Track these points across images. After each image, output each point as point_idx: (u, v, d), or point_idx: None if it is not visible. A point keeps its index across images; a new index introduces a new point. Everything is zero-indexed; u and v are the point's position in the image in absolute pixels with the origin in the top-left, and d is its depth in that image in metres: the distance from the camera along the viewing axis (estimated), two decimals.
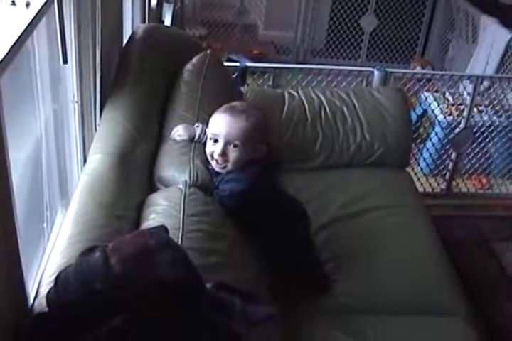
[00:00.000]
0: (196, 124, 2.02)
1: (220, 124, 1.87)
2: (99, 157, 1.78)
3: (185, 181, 1.79)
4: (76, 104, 1.95)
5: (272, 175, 2.10)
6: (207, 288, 1.30)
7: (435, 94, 3.53)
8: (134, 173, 1.82)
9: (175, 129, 2.02)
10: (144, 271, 1.14)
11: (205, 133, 1.96)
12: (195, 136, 1.98)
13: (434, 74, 3.44)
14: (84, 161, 1.89)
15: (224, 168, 1.86)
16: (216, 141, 1.87)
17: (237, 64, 2.99)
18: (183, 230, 1.57)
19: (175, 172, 1.86)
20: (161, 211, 1.67)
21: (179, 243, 1.50)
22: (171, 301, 1.14)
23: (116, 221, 1.57)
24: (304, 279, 1.96)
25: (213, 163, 1.87)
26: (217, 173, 1.88)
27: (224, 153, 1.85)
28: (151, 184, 1.88)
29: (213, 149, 1.87)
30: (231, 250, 1.68)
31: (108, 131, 1.90)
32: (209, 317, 1.22)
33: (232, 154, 1.85)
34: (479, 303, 2.37)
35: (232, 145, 1.85)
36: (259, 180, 1.88)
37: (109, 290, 1.11)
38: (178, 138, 1.99)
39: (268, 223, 1.88)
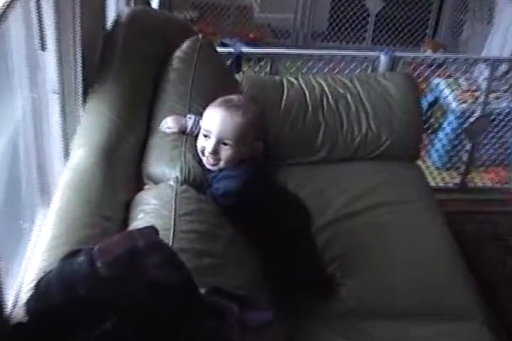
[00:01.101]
0: (188, 115, 2.03)
1: (213, 120, 1.86)
2: (83, 151, 1.78)
3: (177, 177, 1.80)
4: (56, 94, 1.95)
5: (269, 171, 2.10)
6: (201, 292, 1.30)
7: (448, 79, 3.53)
8: (121, 169, 1.82)
9: (164, 121, 2.02)
10: (132, 275, 1.14)
11: (197, 125, 1.97)
12: (186, 128, 1.98)
13: (446, 58, 3.42)
14: (67, 156, 1.89)
15: (215, 165, 1.86)
16: (208, 137, 1.86)
17: (232, 49, 2.99)
18: (174, 230, 1.58)
19: (165, 167, 1.86)
20: (151, 210, 1.67)
21: (170, 244, 1.51)
22: (162, 306, 1.14)
23: (102, 221, 1.58)
24: (306, 282, 1.97)
25: (204, 160, 1.87)
26: (211, 170, 1.88)
27: (215, 151, 1.84)
28: (140, 181, 1.89)
29: (204, 145, 1.87)
30: (227, 251, 1.69)
31: (92, 124, 1.90)
32: (203, 323, 1.23)
33: (225, 152, 1.84)
34: (495, 302, 2.38)
35: (224, 144, 1.84)
36: (256, 178, 1.89)
37: (95, 295, 1.12)
38: (167, 131, 1.99)
39: (267, 223, 1.89)
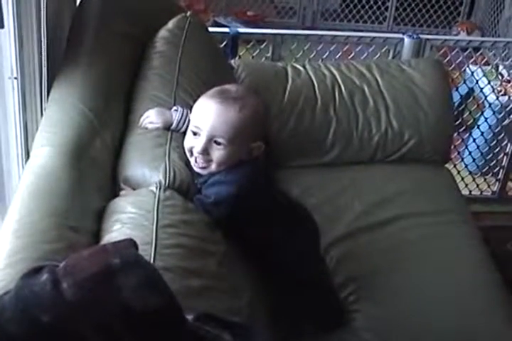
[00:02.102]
0: (174, 108, 2.03)
1: (205, 114, 1.85)
2: (46, 150, 1.78)
3: (159, 182, 1.80)
4: (15, 80, 1.95)
5: (271, 176, 2.10)
6: (187, 319, 1.30)
7: (485, 67, 3.54)
8: (93, 172, 1.82)
9: (146, 114, 2.02)
10: (105, 299, 1.14)
11: (185, 119, 1.97)
12: (172, 123, 1.99)
13: (483, 42, 3.43)
14: (27, 156, 1.90)
15: (205, 168, 1.86)
16: (198, 134, 1.86)
17: (226, 29, 3.00)
18: (156, 245, 1.58)
19: (146, 169, 1.86)
20: (128, 220, 1.67)
21: (151, 261, 1.51)
22: (139, 335, 1.14)
23: (69, 233, 1.58)
24: (312, 309, 1.97)
25: (192, 161, 1.87)
26: (200, 173, 1.88)
27: (205, 151, 1.84)
28: (115, 185, 1.89)
29: (193, 144, 1.86)
30: (219, 271, 1.69)
31: (58, 117, 1.90)
32: None
33: (217, 153, 1.84)
34: None
35: (216, 142, 1.84)
36: (255, 184, 1.88)
37: (59, 323, 1.11)
38: (149, 126, 1.99)
39: (267, 239, 1.89)
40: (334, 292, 2.03)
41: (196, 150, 1.84)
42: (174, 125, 1.98)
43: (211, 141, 1.83)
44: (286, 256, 1.92)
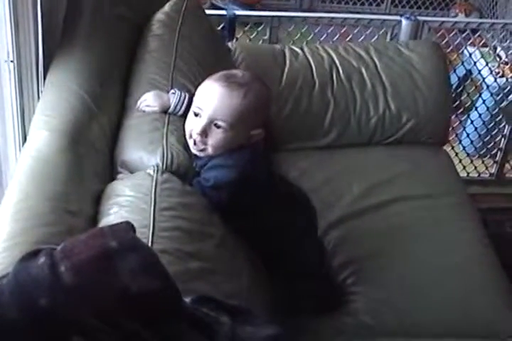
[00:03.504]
0: (172, 91, 2.02)
1: (208, 96, 1.84)
2: (44, 134, 1.78)
3: (157, 165, 1.80)
4: (11, 63, 1.94)
5: (268, 161, 2.09)
6: (185, 302, 1.30)
7: (483, 49, 3.52)
8: (90, 155, 1.82)
9: (143, 97, 2.01)
10: (102, 281, 1.14)
11: (183, 102, 1.96)
12: (169, 106, 1.98)
13: (481, 23, 3.41)
14: (24, 139, 1.89)
15: (202, 150, 1.85)
16: (199, 115, 1.85)
17: (224, 12, 2.99)
18: (154, 228, 1.58)
19: (143, 153, 1.86)
20: (126, 203, 1.67)
21: (149, 244, 1.51)
22: (137, 319, 1.14)
23: (67, 217, 1.58)
24: (311, 291, 1.97)
25: (190, 143, 1.86)
26: (199, 156, 1.88)
27: (204, 132, 1.83)
28: (113, 169, 1.89)
29: (193, 126, 1.85)
30: (218, 253, 1.69)
31: (55, 100, 1.90)
32: (187, 339, 1.23)
33: (215, 136, 1.82)
34: None
35: (217, 126, 1.82)
36: (253, 167, 1.88)
37: (57, 306, 1.11)
38: (147, 110, 1.99)
39: (266, 222, 1.88)
40: (331, 273, 2.03)
41: (195, 131, 1.83)
42: (172, 108, 1.97)
43: (211, 123, 1.82)
44: (283, 242, 1.91)
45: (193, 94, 1.89)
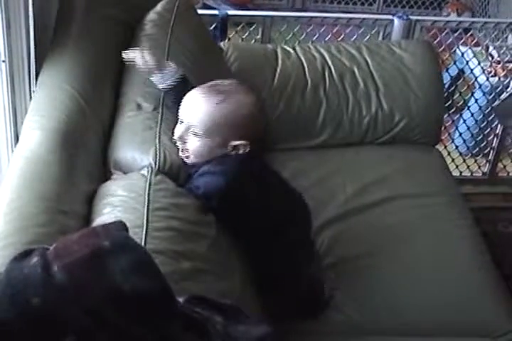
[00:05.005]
0: (169, 62, 2.01)
1: (187, 102, 1.86)
2: (36, 134, 1.78)
3: (150, 165, 1.80)
4: (3, 63, 1.94)
5: (261, 163, 2.05)
6: (178, 301, 1.31)
7: (475, 48, 3.53)
8: (83, 156, 1.82)
9: (138, 52, 1.98)
10: (94, 281, 1.14)
11: (173, 75, 1.95)
12: (161, 69, 1.95)
13: (473, 23, 3.42)
14: (16, 139, 1.89)
15: (187, 158, 1.85)
16: (181, 122, 1.86)
17: (216, 12, 2.99)
18: (147, 228, 1.58)
19: (136, 153, 1.86)
20: (119, 203, 1.67)
21: (142, 244, 1.51)
22: (130, 318, 1.14)
23: (59, 217, 1.58)
24: (297, 298, 1.95)
25: (180, 150, 1.87)
26: (188, 164, 1.87)
27: (182, 139, 1.84)
28: (105, 169, 1.89)
29: (176, 131, 1.87)
30: (210, 253, 1.69)
31: (47, 100, 1.90)
32: (180, 339, 1.23)
33: (192, 144, 1.83)
34: None
35: (193, 133, 1.83)
36: (244, 174, 1.85)
37: (49, 305, 1.11)
38: (139, 63, 1.96)
39: (258, 227, 1.87)
40: (320, 280, 2.01)
41: (175, 137, 1.85)
42: (159, 75, 1.96)
43: (188, 130, 1.83)
44: (280, 241, 1.90)
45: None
